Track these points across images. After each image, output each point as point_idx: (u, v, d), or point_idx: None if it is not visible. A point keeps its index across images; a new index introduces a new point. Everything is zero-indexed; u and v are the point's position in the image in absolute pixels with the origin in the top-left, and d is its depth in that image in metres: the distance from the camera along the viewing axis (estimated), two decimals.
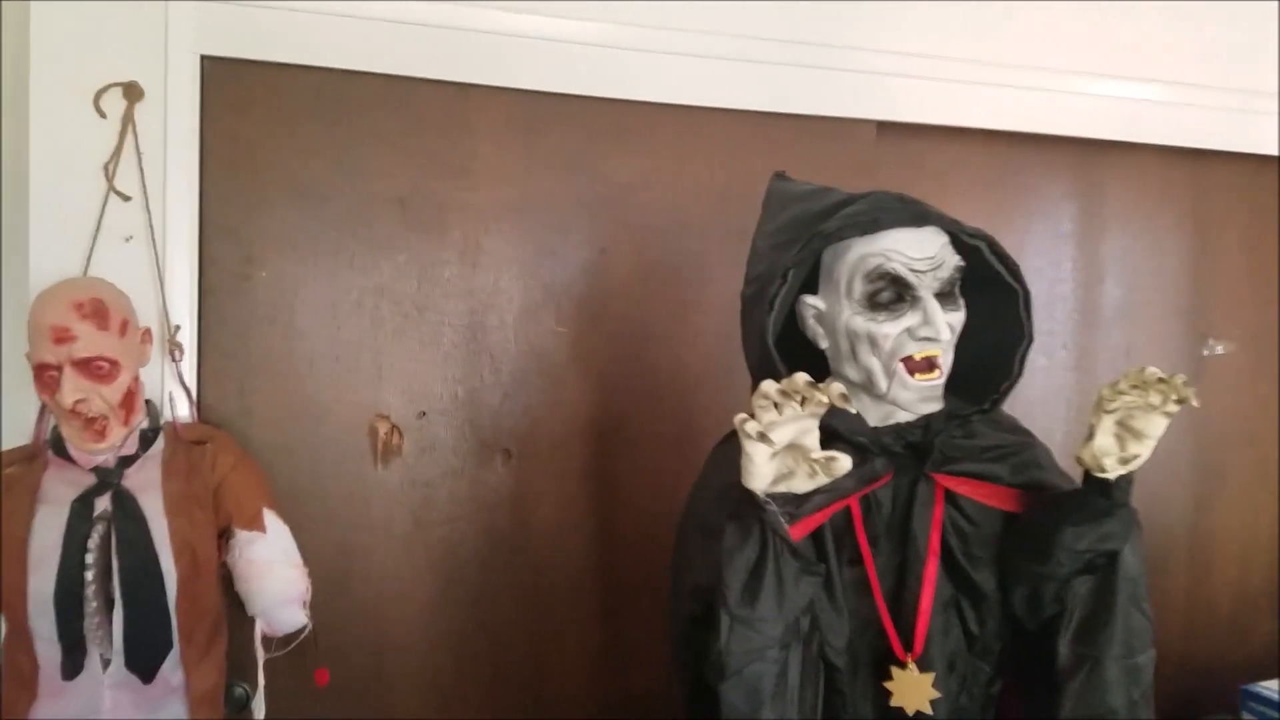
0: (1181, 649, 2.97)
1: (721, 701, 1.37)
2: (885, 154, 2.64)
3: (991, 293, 1.58)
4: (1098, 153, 2.89)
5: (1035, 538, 1.51)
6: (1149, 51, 2.84)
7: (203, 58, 2.16)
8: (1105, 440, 1.42)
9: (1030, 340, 1.58)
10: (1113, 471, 1.42)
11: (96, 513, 1.82)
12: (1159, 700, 1.54)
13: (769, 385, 1.27)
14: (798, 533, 1.44)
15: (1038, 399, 2.85)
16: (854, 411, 1.42)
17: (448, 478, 2.38)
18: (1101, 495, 1.44)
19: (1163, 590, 2.91)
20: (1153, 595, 1.53)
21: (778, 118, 2.54)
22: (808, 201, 1.62)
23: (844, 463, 1.28)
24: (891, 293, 1.49)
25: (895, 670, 1.53)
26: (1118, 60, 2.81)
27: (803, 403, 1.25)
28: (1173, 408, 1.37)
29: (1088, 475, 1.46)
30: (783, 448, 1.29)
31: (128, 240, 2.10)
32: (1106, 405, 1.40)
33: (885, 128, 2.64)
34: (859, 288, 1.51)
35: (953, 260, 1.52)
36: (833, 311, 1.56)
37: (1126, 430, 1.41)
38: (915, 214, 1.50)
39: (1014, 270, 1.57)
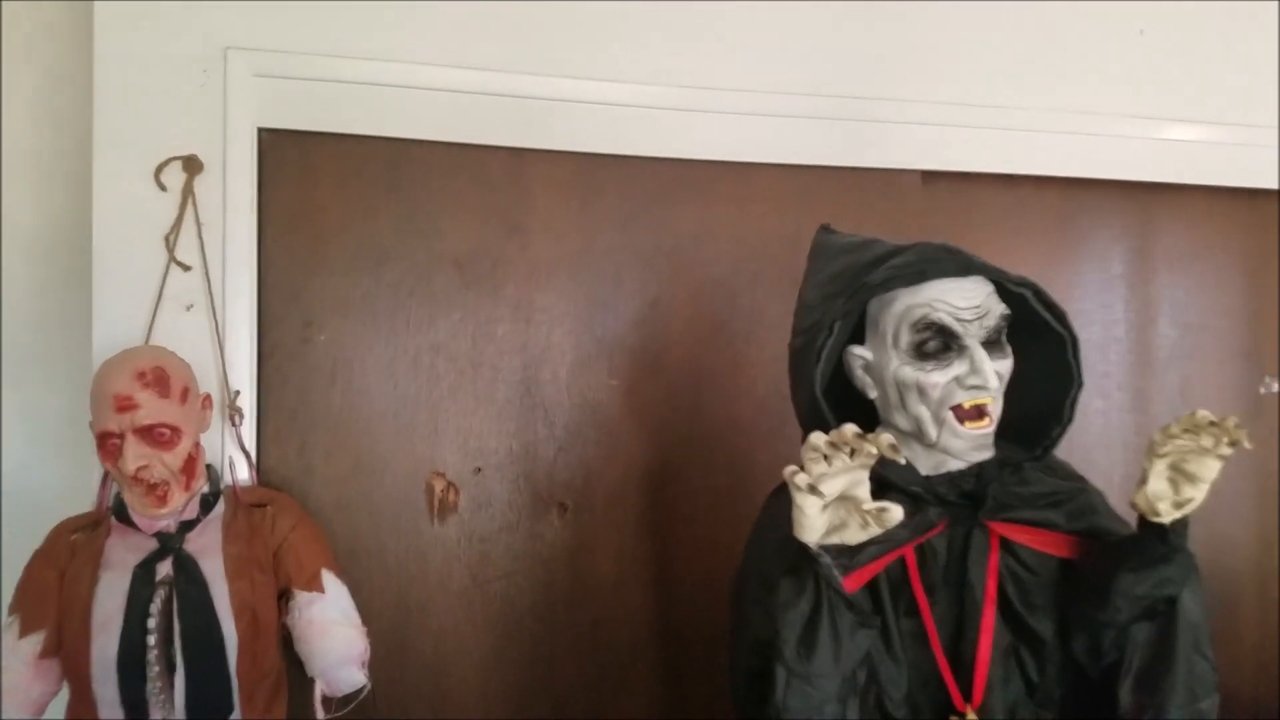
0: (1252, 692, 2.90)
1: None
2: (933, 203, 2.65)
3: (1042, 339, 1.58)
4: (1148, 195, 2.87)
5: (1093, 584, 1.49)
6: (1197, 93, 2.84)
7: (260, 130, 2.22)
8: (1159, 485, 1.40)
9: (1080, 385, 1.57)
10: (1168, 516, 1.40)
11: (158, 577, 1.85)
12: None
13: (818, 437, 1.27)
14: (852, 584, 1.43)
15: (1095, 442, 2.82)
16: (904, 462, 1.41)
17: (504, 533, 2.40)
18: (1158, 540, 1.43)
19: (1231, 633, 2.86)
20: (1221, 638, 1.50)
21: (823, 171, 2.57)
22: (854, 253, 1.63)
23: (896, 513, 1.28)
24: (938, 342, 1.50)
25: None
26: (1166, 102, 2.81)
27: (852, 454, 1.25)
28: (1226, 450, 1.35)
29: (1143, 520, 1.44)
30: (834, 499, 1.29)
31: (188, 309, 2.16)
32: (1159, 450, 1.39)
33: (931, 176, 2.65)
34: (906, 338, 1.51)
35: (998, 309, 1.52)
36: (880, 361, 1.56)
37: (1180, 474, 1.40)
38: (960, 264, 1.51)
39: (1061, 316, 1.57)
